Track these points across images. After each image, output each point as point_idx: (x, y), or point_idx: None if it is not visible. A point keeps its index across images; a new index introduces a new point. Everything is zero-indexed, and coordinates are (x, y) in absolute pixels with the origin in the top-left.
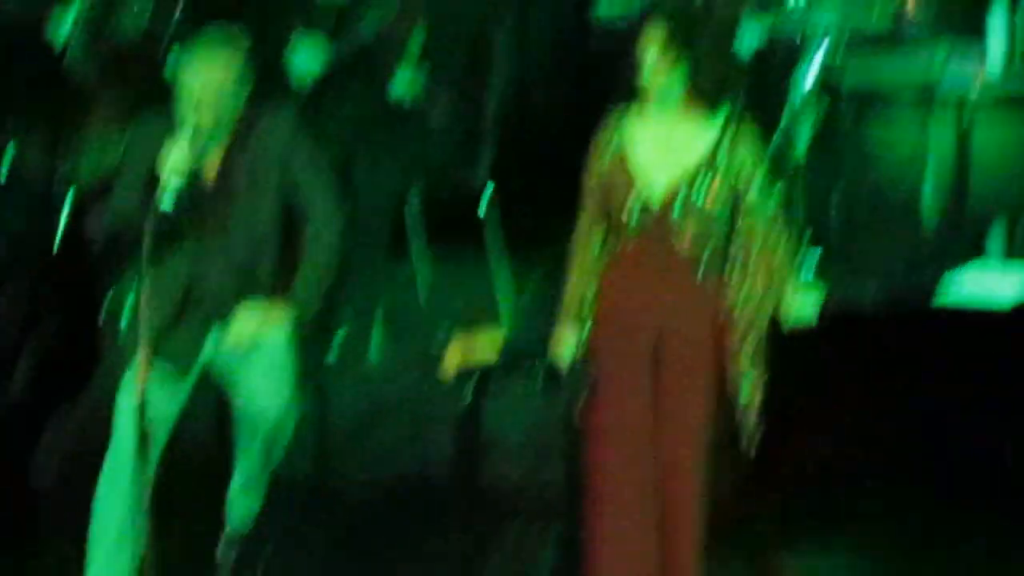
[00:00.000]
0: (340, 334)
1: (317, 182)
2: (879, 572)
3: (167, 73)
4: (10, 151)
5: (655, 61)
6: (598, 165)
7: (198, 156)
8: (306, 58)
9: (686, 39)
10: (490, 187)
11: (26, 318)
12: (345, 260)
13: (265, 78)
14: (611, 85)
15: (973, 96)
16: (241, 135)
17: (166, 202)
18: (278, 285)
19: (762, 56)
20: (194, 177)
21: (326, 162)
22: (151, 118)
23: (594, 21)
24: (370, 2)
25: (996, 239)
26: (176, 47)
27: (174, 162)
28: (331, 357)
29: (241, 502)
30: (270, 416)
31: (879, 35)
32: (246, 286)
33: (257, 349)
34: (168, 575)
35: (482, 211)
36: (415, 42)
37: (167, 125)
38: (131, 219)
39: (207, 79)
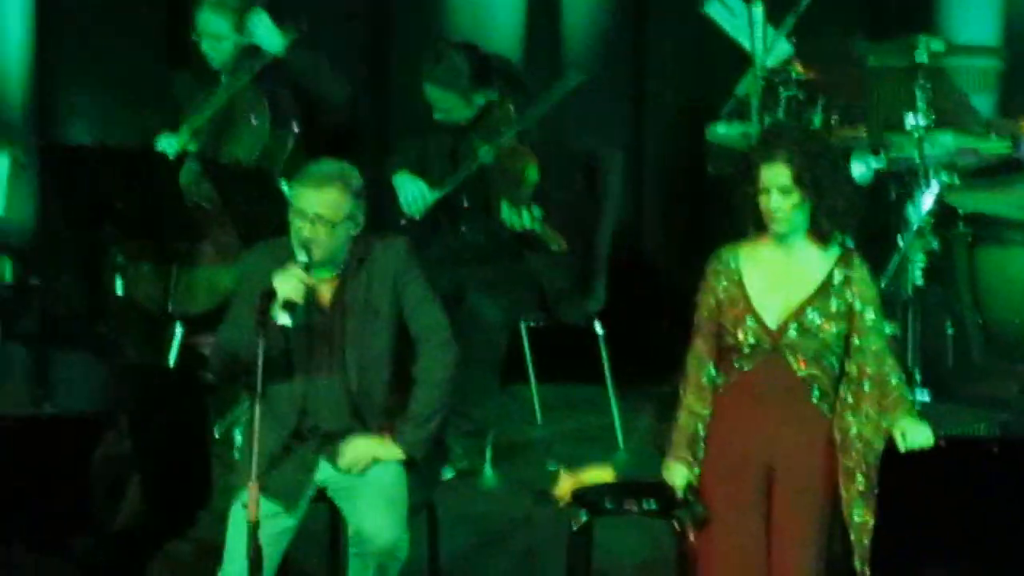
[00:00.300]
0: (454, 460)
1: (430, 311)
2: None
3: (276, 201)
4: (120, 278)
5: (781, 198)
6: (713, 291)
7: (313, 283)
8: (412, 193)
9: (812, 177)
10: (601, 319)
11: (137, 445)
12: (459, 389)
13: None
14: (724, 215)
15: None
16: (355, 264)
17: (283, 319)
18: (390, 415)
19: (877, 187)
20: (309, 304)
21: (438, 292)
22: (263, 247)
23: (708, 147)
24: (488, 129)
25: None
26: (286, 178)
27: (291, 286)
28: (444, 479)
29: None
30: (382, 542)
31: (994, 165)
32: (357, 415)
33: (370, 475)
34: None
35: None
36: (530, 171)
37: (280, 255)
38: (246, 347)
39: (320, 209)
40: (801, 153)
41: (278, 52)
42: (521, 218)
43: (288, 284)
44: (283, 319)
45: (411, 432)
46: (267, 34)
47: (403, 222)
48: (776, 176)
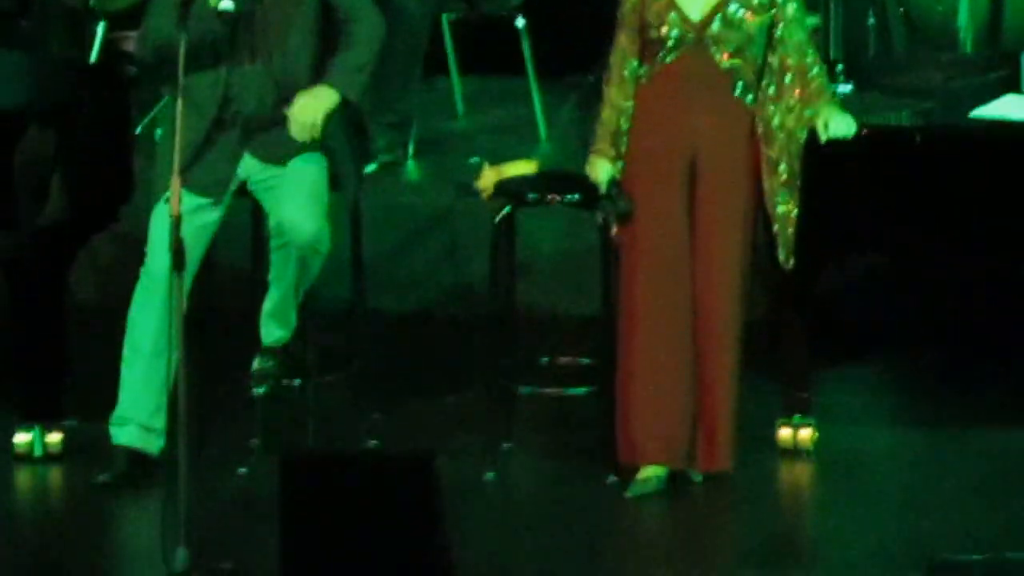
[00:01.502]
0: (376, 153)
1: None
2: (908, 396)
3: None
4: None
5: None
6: None
7: None
8: None
9: None
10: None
11: (60, 142)
12: (382, 77)
13: None
14: None
15: None
16: None
17: (225, 4)
18: None
19: None
20: None
21: None
22: None
23: None
24: None
25: None
26: None
27: None
28: (367, 172)
29: (276, 322)
30: (303, 235)
31: None
32: (282, 99)
33: (292, 167)
34: (202, 389)
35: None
36: None
37: None
38: (169, 39)
39: None
40: None
41: None
42: None
43: None
44: (224, 4)
45: (346, 75)
46: None
47: None
48: None
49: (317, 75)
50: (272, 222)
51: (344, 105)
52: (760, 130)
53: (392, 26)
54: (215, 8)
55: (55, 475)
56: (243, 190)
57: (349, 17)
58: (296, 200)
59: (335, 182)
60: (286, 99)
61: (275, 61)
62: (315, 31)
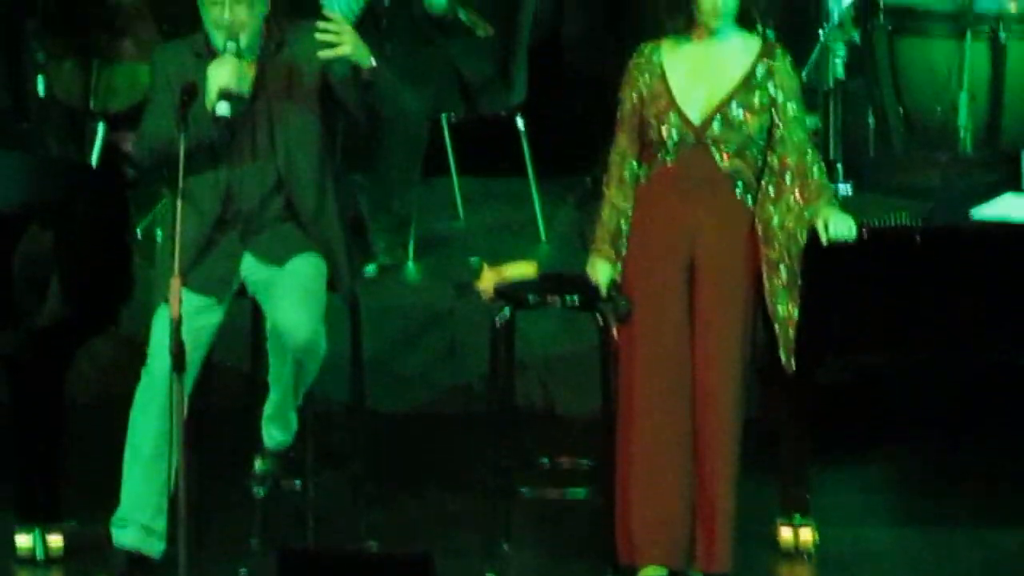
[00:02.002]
0: (376, 255)
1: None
2: (908, 494)
3: None
4: (43, 78)
5: None
6: (635, 86)
7: (250, 69)
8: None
9: None
10: (522, 112)
11: (59, 242)
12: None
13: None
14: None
15: (1007, 16)
16: (272, 47)
17: (221, 110)
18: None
19: None
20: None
21: None
22: (175, 43)
23: None
24: None
25: None
26: None
27: (228, 74)
28: (367, 274)
29: (276, 425)
30: (298, 337)
31: None
32: (284, 193)
33: (289, 266)
34: (203, 489)
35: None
36: None
37: (195, 49)
38: (170, 141)
39: None
40: None
41: None
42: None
43: (225, 73)
44: (222, 109)
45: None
46: None
47: None
48: None
49: (319, 172)
50: (268, 323)
51: (357, 74)
52: (760, 230)
53: (391, 127)
54: (211, 111)
55: None
56: (243, 290)
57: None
58: (291, 302)
59: (332, 283)
60: (288, 198)
61: (276, 158)
62: (316, 127)
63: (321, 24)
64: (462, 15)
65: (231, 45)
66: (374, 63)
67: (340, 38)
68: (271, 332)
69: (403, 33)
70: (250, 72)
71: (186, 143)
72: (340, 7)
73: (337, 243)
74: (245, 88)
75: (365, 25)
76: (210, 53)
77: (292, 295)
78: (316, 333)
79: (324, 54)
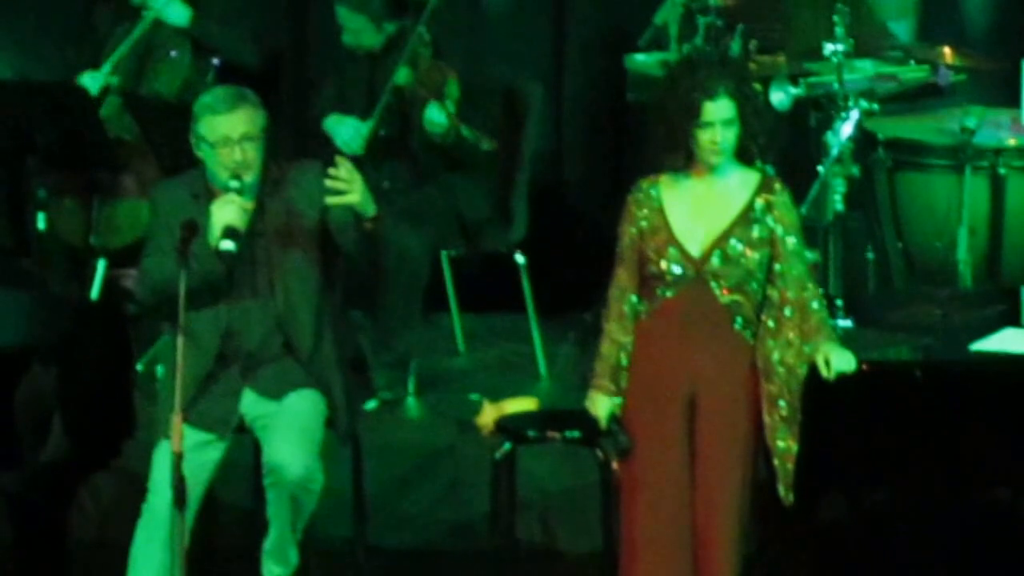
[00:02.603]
0: (377, 391)
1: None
2: None
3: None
4: (44, 215)
5: (726, 131)
6: (634, 221)
7: (252, 207)
8: (347, 133)
9: (749, 108)
10: (522, 249)
11: (61, 380)
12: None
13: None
14: (643, 143)
15: (1007, 150)
16: (271, 186)
17: (225, 245)
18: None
19: (797, 114)
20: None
21: None
22: (174, 180)
23: (627, 76)
24: (402, 54)
25: None
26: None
27: (232, 213)
28: (368, 410)
29: (275, 560)
30: (293, 473)
31: (913, 91)
32: (284, 334)
33: (286, 403)
34: None
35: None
36: (451, 85)
37: (195, 187)
38: (171, 279)
39: (245, 128)
40: (741, 84)
41: (183, 24)
42: (445, 114)
43: (229, 211)
44: (226, 245)
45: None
46: (169, 7)
47: None
48: (721, 110)
49: (317, 312)
50: (264, 459)
51: (359, 221)
52: (760, 365)
53: (392, 263)
54: (215, 247)
55: None
56: (243, 426)
57: None
58: (287, 438)
59: (330, 420)
60: (289, 332)
61: (275, 297)
62: (315, 268)
63: (331, 170)
64: (464, 131)
65: (235, 184)
66: (376, 212)
67: (349, 186)
68: (265, 468)
69: (403, 169)
70: (248, 207)
71: (187, 280)
72: (347, 133)
73: (335, 383)
74: (244, 225)
75: (365, 166)
76: (208, 193)
77: (287, 431)
78: (309, 469)
79: (331, 200)
